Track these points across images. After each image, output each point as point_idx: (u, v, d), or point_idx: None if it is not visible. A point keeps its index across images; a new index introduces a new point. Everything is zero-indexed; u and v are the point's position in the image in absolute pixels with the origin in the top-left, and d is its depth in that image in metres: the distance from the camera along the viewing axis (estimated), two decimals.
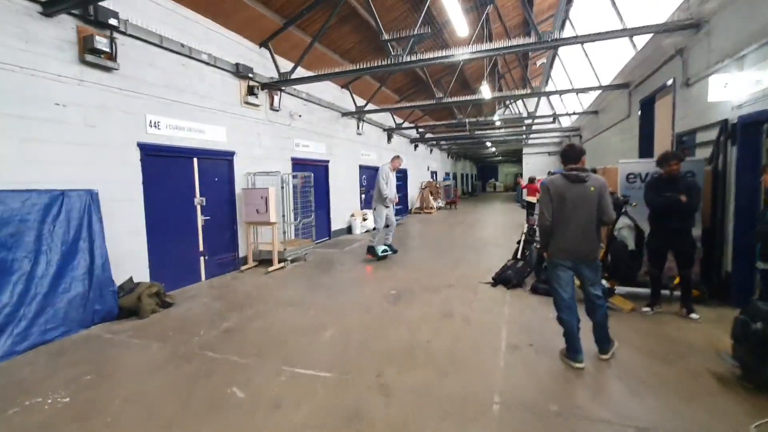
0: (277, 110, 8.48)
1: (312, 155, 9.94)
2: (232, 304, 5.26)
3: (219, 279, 6.69)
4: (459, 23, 7.21)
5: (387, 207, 7.71)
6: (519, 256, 6.27)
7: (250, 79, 7.49)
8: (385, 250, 7.89)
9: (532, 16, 6.22)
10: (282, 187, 7.49)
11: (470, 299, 5.14)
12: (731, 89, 4.47)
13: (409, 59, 6.72)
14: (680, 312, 4.37)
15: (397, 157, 8.14)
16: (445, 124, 14.50)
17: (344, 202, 11.77)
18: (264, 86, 7.95)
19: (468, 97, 10.41)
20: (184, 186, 6.27)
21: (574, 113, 13.48)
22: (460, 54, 6.51)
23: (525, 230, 6.18)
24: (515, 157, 39.51)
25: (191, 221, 6.37)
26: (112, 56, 4.98)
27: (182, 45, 6.06)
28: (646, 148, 8.04)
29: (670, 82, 6.50)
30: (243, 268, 7.19)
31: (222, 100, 6.96)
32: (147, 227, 5.54)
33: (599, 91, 11.96)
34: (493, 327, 4.19)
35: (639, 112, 8.23)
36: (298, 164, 9.33)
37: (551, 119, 14.26)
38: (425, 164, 21.88)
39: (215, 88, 6.81)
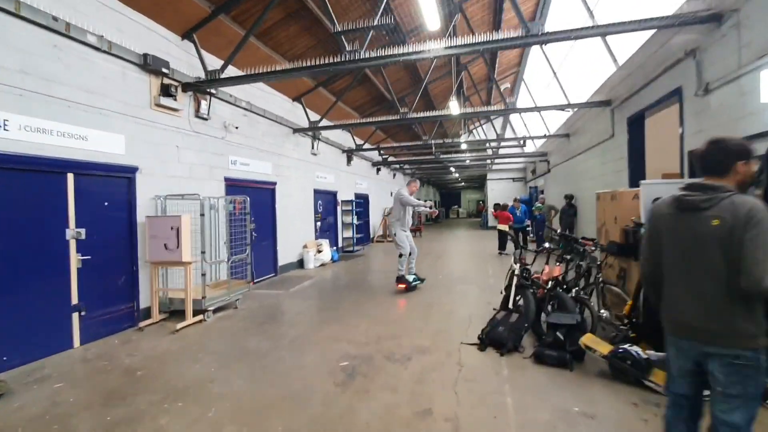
0: (206, 119, 6.84)
1: (254, 176, 8.28)
2: (98, 393, 3.43)
3: (102, 343, 4.77)
4: (430, 14, 5.98)
5: (405, 232, 7.37)
6: (511, 305, 4.86)
7: (165, 75, 5.85)
8: (415, 279, 7.35)
9: (521, 11, 5.12)
10: (202, 215, 5.77)
11: (453, 376, 3.62)
12: None
13: (366, 55, 5.39)
14: None
15: (414, 180, 7.86)
16: (409, 145, 13.35)
17: (295, 232, 10.09)
18: (186, 87, 6.33)
19: (434, 113, 9.26)
20: (48, 212, 4.43)
21: (544, 136, 12.75)
22: (434, 50, 5.24)
23: (516, 270, 4.81)
24: (478, 183, 39.50)
25: (59, 262, 4.50)
26: None
27: (54, 18, 4.39)
28: (636, 171, 7.10)
29: (663, 93, 5.59)
30: (143, 324, 5.30)
31: (121, 99, 5.26)
32: None
33: (570, 113, 11.28)
34: None
35: (626, 132, 7.34)
36: (235, 186, 7.64)
37: (519, 143, 13.49)
38: (388, 189, 20.65)
39: (110, 82, 5.11)
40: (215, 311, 5.82)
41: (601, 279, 4.58)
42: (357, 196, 15.24)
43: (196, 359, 4.18)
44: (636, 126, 7.14)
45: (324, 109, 10.42)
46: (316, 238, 11.32)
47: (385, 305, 6.28)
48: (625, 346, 3.37)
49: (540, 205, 12.06)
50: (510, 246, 12.11)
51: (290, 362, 4.06)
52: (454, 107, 9.38)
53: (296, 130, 10.06)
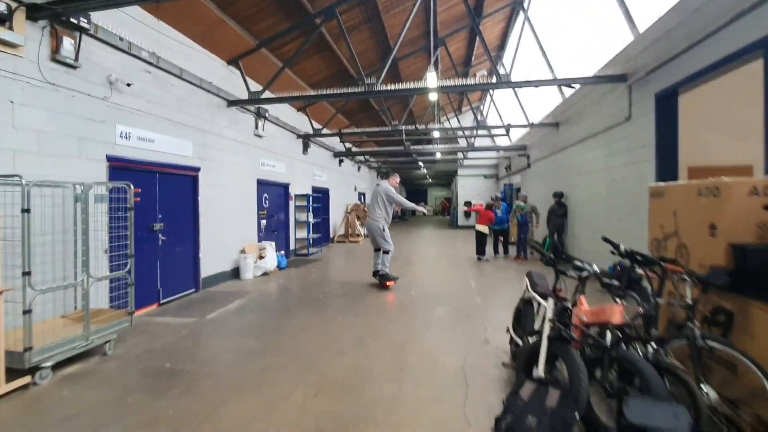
0: (73, 66, 4.56)
1: (162, 156, 6.03)
2: None
3: None
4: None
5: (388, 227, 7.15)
6: (541, 371, 2.95)
7: None
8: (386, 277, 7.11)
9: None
10: (25, 210, 3.51)
11: None
12: None
13: None
14: None
15: (395, 174, 7.76)
16: (375, 131, 11.39)
17: (230, 233, 7.88)
18: (35, 11, 4.05)
19: (407, 85, 7.33)
20: None
21: (530, 125, 11.14)
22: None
23: (548, 312, 2.89)
24: (445, 181, 38.26)
25: None
26: None
27: None
28: (667, 163, 5.55)
29: (729, 51, 3.99)
30: None
31: None
32: None
33: (560, 101, 9.78)
34: None
35: (653, 112, 5.77)
36: (128, 169, 5.38)
37: (503, 131, 11.84)
38: (352, 183, 18.62)
39: None
40: (62, 366, 3.62)
41: (698, 332, 2.68)
42: (315, 189, 13.13)
43: None
44: (666, 105, 5.58)
45: (269, 77, 8.23)
46: (260, 240, 9.15)
47: (338, 344, 4.30)
48: None
49: (522, 204, 10.49)
50: (489, 250, 10.47)
51: None
52: (431, 79, 7.53)
53: (232, 103, 7.83)
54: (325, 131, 11.91)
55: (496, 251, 10.72)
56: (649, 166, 5.86)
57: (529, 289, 3.55)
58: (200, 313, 5.59)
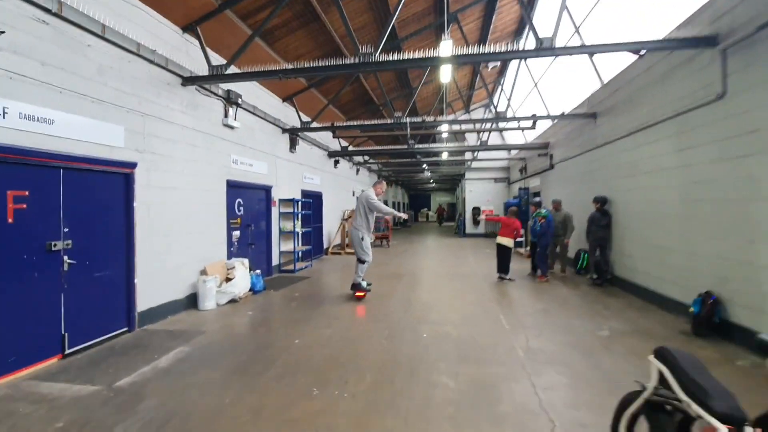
0: None
1: (70, 146, 4.25)
2: None
3: None
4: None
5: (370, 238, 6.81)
6: None
7: None
8: (369, 284, 6.91)
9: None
10: None
11: None
12: None
13: None
14: None
15: (380, 182, 7.09)
16: (376, 125, 9.61)
17: (182, 250, 6.09)
18: None
19: (414, 54, 5.52)
20: None
21: (559, 116, 9.20)
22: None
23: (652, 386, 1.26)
24: (449, 186, 36.57)
25: None
26: None
27: None
28: None
29: None
30: None
31: None
32: None
33: (596, 89, 8.03)
34: None
35: None
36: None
37: (529, 123, 9.97)
38: (349, 187, 16.84)
39: None
40: None
41: None
42: (305, 194, 11.35)
43: None
44: None
45: (248, 55, 6.44)
46: (231, 256, 7.34)
47: None
48: None
49: (544, 211, 8.62)
50: (519, 267, 8.63)
51: None
52: (445, 47, 5.76)
53: (189, 80, 6.08)
54: (315, 125, 10.11)
55: (534, 269, 8.83)
56: (763, 160, 4.06)
57: (681, 393, 1.73)
58: (113, 374, 3.77)
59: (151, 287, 5.41)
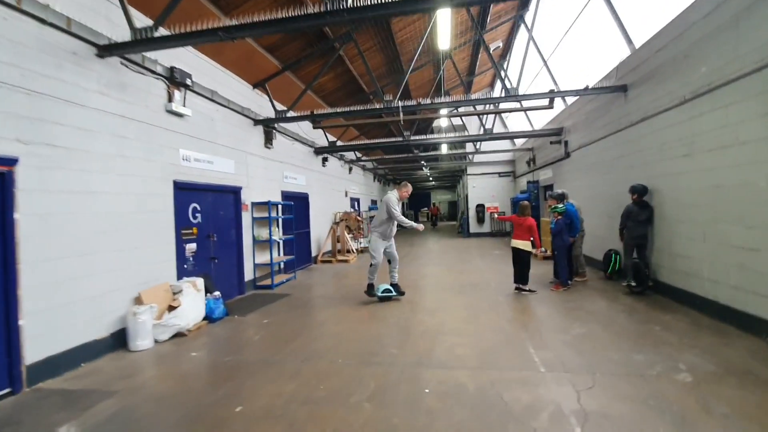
0: None
1: None
2: None
3: None
4: None
5: (384, 241, 6.59)
6: None
7: None
8: (387, 290, 6.61)
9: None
10: None
11: None
12: None
13: None
14: None
15: (405, 185, 6.88)
16: (362, 111, 8.13)
17: (103, 273, 4.62)
18: None
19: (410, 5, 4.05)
20: None
21: (585, 89, 7.45)
22: None
23: None
24: (450, 183, 35.11)
25: None
26: None
27: None
28: None
29: None
30: None
31: None
32: None
33: (625, 56, 6.59)
34: None
35: None
36: None
37: (546, 101, 8.35)
38: (341, 187, 15.38)
39: None
40: None
41: None
42: (287, 195, 9.89)
43: None
44: None
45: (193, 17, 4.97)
46: (184, 275, 5.88)
47: None
48: None
49: (560, 206, 7.03)
50: (537, 272, 7.11)
51: None
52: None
53: (107, 50, 4.63)
54: (292, 114, 8.65)
55: (557, 276, 7.25)
56: None
57: None
58: None
59: (53, 327, 3.95)
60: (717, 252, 4.81)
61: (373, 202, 21.55)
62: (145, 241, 5.23)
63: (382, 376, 3.59)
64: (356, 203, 17.93)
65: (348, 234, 13.14)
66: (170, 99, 5.82)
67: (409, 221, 6.72)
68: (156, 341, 4.86)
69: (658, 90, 5.98)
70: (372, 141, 13.53)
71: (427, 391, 3.28)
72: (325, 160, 13.15)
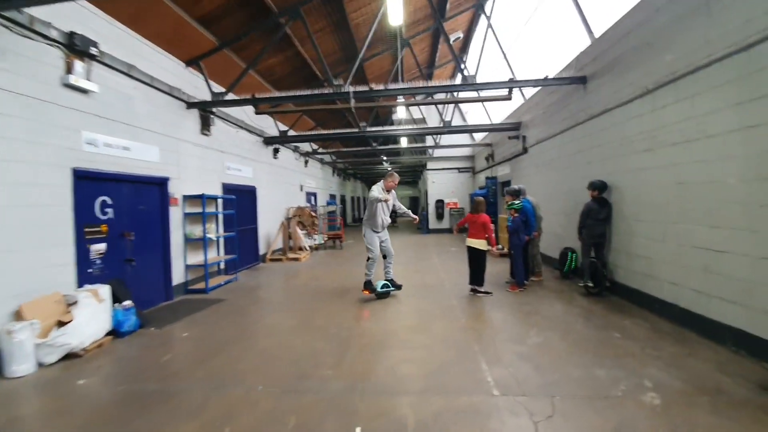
0: None
1: None
2: None
3: None
4: None
5: (377, 232, 6.52)
6: None
7: None
8: (385, 286, 6.47)
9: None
10: None
11: None
12: None
13: None
14: None
15: (392, 174, 6.58)
16: (310, 96, 7.37)
17: None
18: None
19: None
20: None
21: (545, 79, 7.13)
22: None
23: None
24: (411, 178, 34.82)
25: None
26: None
27: None
28: None
29: None
30: None
31: None
32: None
33: (585, 46, 6.30)
34: None
35: None
36: None
37: (506, 91, 7.91)
38: (295, 181, 14.49)
39: None
40: None
41: None
42: (229, 188, 8.96)
43: None
44: None
45: None
46: (86, 282, 4.93)
47: None
48: None
49: (516, 203, 6.64)
50: (493, 270, 6.70)
51: None
52: None
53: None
54: (232, 97, 7.74)
55: (513, 275, 6.86)
56: None
57: None
58: None
59: None
60: (678, 253, 4.54)
61: (332, 197, 20.73)
62: (27, 241, 4.27)
63: (307, 409, 2.95)
64: (313, 198, 17.09)
65: (301, 230, 12.35)
66: (69, 70, 4.82)
67: (404, 207, 6.78)
68: (40, 364, 3.95)
69: (619, 81, 5.69)
70: (326, 131, 12.74)
71: (358, 430, 2.68)
72: (276, 151, 12.23)
